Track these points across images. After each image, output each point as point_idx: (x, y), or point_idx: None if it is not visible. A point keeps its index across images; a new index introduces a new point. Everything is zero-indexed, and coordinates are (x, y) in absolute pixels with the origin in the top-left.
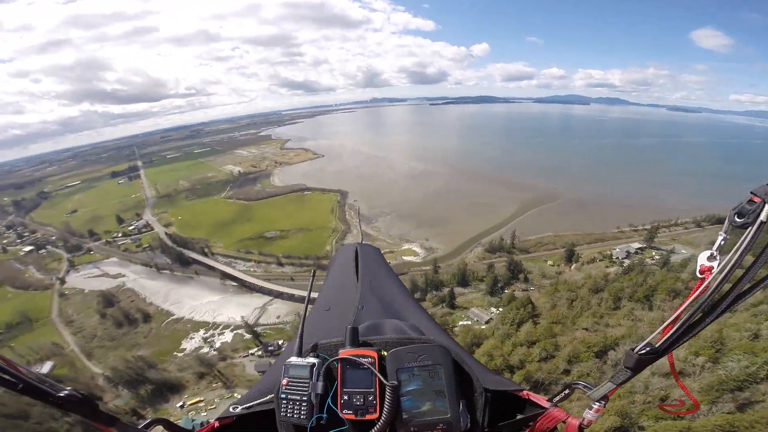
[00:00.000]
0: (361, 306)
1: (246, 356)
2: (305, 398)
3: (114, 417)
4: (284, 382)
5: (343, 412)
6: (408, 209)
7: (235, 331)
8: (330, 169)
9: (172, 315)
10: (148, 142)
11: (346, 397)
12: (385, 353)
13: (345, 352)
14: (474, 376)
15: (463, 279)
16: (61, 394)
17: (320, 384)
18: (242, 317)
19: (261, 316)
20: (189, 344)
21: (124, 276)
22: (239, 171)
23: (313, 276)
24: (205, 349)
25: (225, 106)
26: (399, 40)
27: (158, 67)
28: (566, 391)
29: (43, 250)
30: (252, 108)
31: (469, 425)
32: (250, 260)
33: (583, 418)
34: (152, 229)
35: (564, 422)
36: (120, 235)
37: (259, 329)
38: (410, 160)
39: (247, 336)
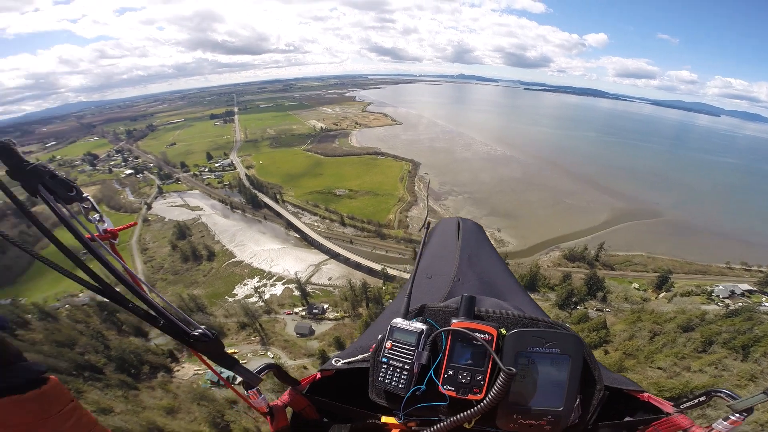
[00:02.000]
0: (458, 278)
1: (290, 314)
2: (408, 366)
3: (234, 359)
4: (388, 345)
5: (445, 387)
6: (482, 193)
7: (286, 285)
8: (405, 137)
9: (234, 257)
10: (246, 92)
11: (451, 372)
12: (505, 332)
13: (459, 324)
14: (599, 371)
15: (532, 283)
16: (196, 333)
17: (426, 354)
18: (296, 272)
19: (314, 274)
20: (241, 290)
21: (201, 209)
22: (321, 127)
23: (427, 229)
24: (254, 299)
25: (317, 65)
26: (499, 19)
27: (264, 23)
28: (702, 398)
29: (140, 175)
30: (341, 69)
31: (575, 421)
32: (316, 214)
33: (712, 428)
34: (235, 168)
35: (685, 431)
36: (206, 170)
37: (308, 288)
38: (492, 142)
39: (296, 293)
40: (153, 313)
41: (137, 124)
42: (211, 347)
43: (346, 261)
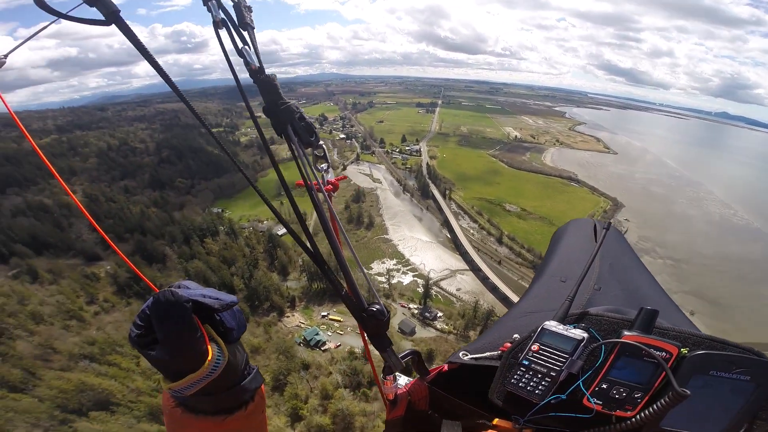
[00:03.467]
0: (598, 287)
1: (404, 307)
2: (553, 373)
3: (390, 341)
4: (535, 347)
5: (593, 400)
6: (691, 265)
7: (415, 278)
8: (613, 170)
9: (386, 234)
10: (454, 87)
11: (605, 386)
12: (686, 351)
13: (634, 337)
14: None
15: None
16: (372, 309)
17: (579, 363)
18: (430, 270)
19: (446, 278)
20: (377, 267)
21: (380, 183)
22: (516, 136)
23: (607, 230)
24: (383, 279)
25: (531, 74)
26: None
27: (484, 24)
28: None
29: (349, 141)
30: (557, 81)
31: None
32: (476, 222)
33: None
34: (420, 155)
35: None
36: (397, 150)
37: (433, 290)
38: (738, 205)
39: (420, 289)
40: (338, 286)
41: (362, 99)
42: (378, 326)
43: (484, 279)
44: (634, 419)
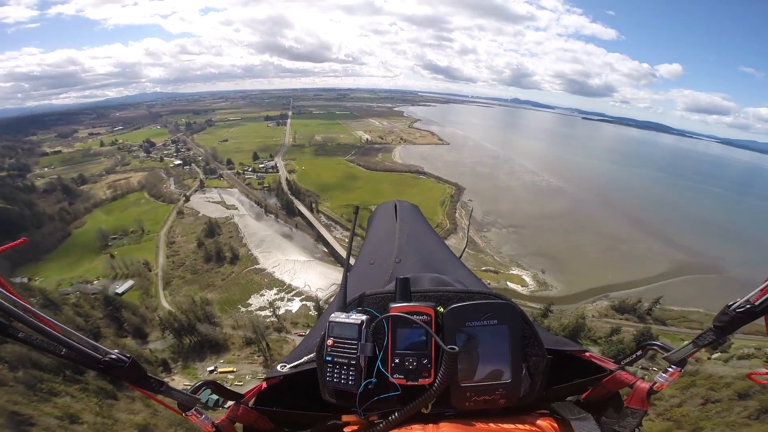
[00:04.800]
0: (398, 259)
1: (301, 335)
2: (353, 362)
3: (161, 381)
4: (329, 342)
5: (394, 376)
6: (528, 229)
7: (303, 302)
8: (449, 158)
9: (257, 264)
10: (303, 97)
11: (397, 360)
12: (442, 309)
13: (396, 308)
14: (540, 337)
15: (575, 334)
16: (107, 359)
17: (369, 345)
18: (316, 290)
19: (335, 294)
20: (257, 301)
21: (236, 209)
22: (367, 139)
23: (356, 214)
24: (267, 312)
25: (371, 78)
26: (565, 44)
27: (328, 32)
28: (638, 353)
29: (187, 167)
30: (393, 83)
31: (527, 390)
32: (348, 229)
33: (655, 382)
34: (277, 171)
35: (631, 386)
36: (250, 169)
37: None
38: (542, 172)
39: (313, 312)
40: (52, 343)
41: (198, 118)
42: (129, 372)
43: None
44: (435, 385)
